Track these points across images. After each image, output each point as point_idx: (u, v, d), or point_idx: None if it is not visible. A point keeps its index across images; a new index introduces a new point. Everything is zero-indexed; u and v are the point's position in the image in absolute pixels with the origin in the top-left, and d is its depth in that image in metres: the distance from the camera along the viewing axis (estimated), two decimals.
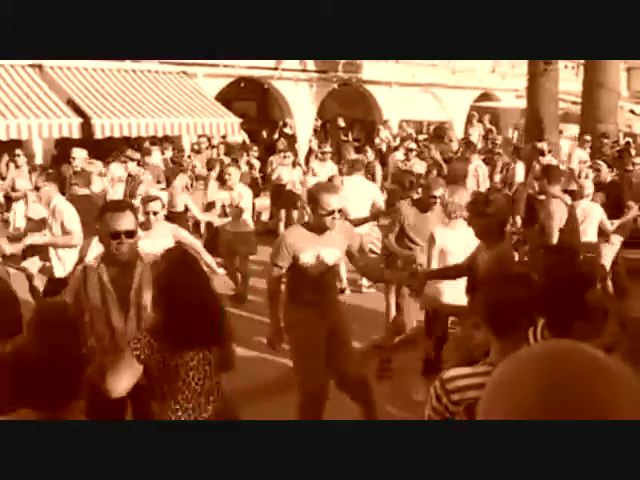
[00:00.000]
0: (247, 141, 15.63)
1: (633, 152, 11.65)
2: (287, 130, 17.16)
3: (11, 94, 12.71)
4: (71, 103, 13.21)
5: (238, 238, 8.56)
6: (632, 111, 20.32)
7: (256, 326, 7.46)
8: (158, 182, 11.39)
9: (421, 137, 16.15)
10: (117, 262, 3.68)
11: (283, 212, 12.08)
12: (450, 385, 2.50)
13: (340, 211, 4.55)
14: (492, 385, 0.95)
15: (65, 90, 13.47)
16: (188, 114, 14.25)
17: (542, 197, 7.10)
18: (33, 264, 6.78)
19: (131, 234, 3.67)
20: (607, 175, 9.03)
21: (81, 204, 7.09)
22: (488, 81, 22.03)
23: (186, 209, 8.96)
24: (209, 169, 10.46)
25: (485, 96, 22.48)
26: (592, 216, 7.78)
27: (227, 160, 11.47)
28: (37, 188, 7.09)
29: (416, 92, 20.65)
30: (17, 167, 11.18)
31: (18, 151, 11.47)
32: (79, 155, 9.55)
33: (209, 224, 9.78)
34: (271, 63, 17.06)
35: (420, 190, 7.14)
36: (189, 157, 12.94)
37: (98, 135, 12.87)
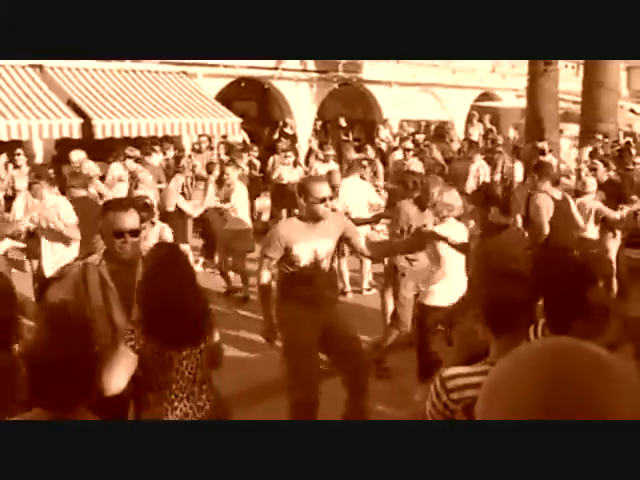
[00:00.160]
0: (247, 141, 15.62)
1: (634, 151, 11.64)
2: (287, 130, 17.15)
3: (12, 94, 12.70)
4: (71, 103, 13.21)
5: (235, 236, 8.66)
6: (632, 110, 20.32)
7: (257, 326, 7.45)
8: (159, 182, 11.40)
9: (418, 137, 16.11)
10: (118, 260, 3.66)
11: (284, 212, 12.09)
12: (450, 383, 2.50)
13: (331, 199, 4.59)
14: (490, 383, 0.94)
15: (65, 90, 13.47)
16: (188, 114, 14.24)
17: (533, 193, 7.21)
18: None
19: (135, 233, 3.66)
20: (604, 175, 9.04)
21: (79, 205, 7.10)
22: (488, 81, 22.01)
23: (179, 209, 8.94)
24: (209, 172, 10.48)
25: (485, 96, 22.47)
26: (594, 213, 7.81)
27: (227, 160, 11.47)
28: (30, 186, 7.13)
29: (416, 92, 20.64)
30: (17, 167, 11.18)
31: (18, 150, 11.47)
32: (77, 157, 9.63)
33: (206, 224, 9.82)
34: (271, 63, 17.05)
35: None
36: (189, 157, 12.94)
37: (99, 135, 12.87)
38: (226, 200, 8.87)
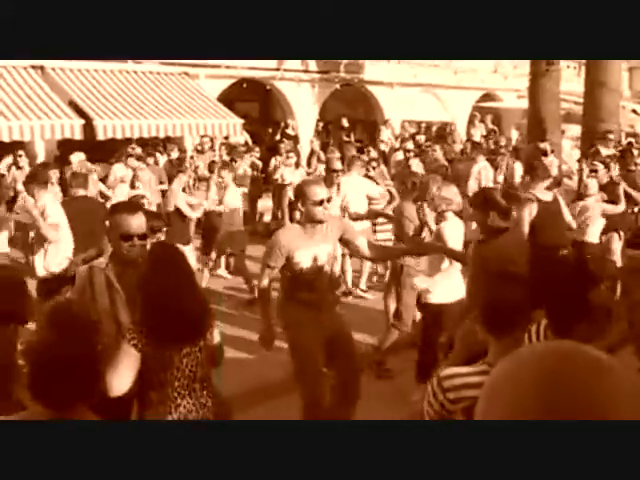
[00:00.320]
0: (249, 142, 15.63)
1: (635, 152, 11.62)
2: (289, 131, 17.17)
3: (13, 95, 12.72)
4: (73, 104, 13.22)
5: (229, 237, 8.88)
6: (634, 111, 20.30)
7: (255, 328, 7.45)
8: (161, 183, 11.42)
9: (418, 137, 16.11)
10: (125, 262, 3.65)
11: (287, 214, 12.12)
12: (446, 383, 2.51)
13: (329, 200, 4.60)
14: (491, 384, 0.94)
15: (67, 91, 13.48)
16: (190, 115, 14.25)
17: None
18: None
19: (143, 236, 3.64)
20: (604, 176, 9.03)
21: (79, 205, 7.15)
22: (490, 81, 22.01)
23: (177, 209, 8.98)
24: (211, 172, 10.52)
25: (487, 96, 22.46)
26: (596, 215, 7.80)
27: (221, 163, 11.49)
28: (25, 186, 7.17)
29: (418, 92, 20.64)
30: (19, 168, 11.20)
31: (20, 152, 11.48)
32: (76, 158, 9.71)
33: (205, 225, 9.86)
34: (273, 64, 17.06)
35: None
36: (191, 157, 12.95)
37: (100, 136, 12.88)
38: (220, 202, 9.00)
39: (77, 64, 13.85)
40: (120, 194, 9.86)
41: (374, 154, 12.94)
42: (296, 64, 17.68)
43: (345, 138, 17.33)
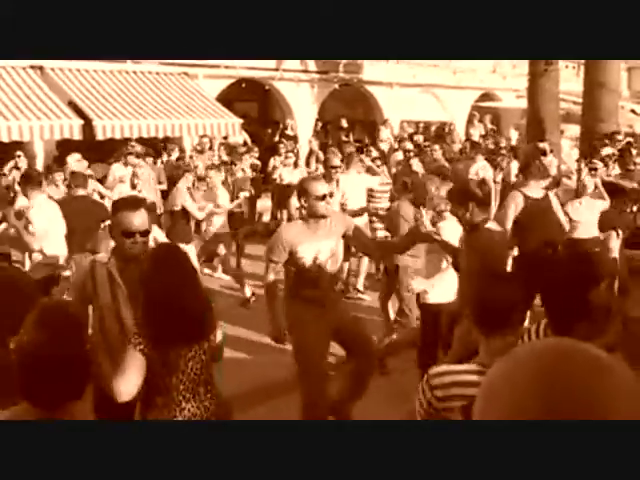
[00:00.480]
0: (249, 142, 15.62)
1: (634, 152, 11.62)
2: (288, 132, 17.17)
3: (12, 95, 12.70)
4: (72, 104, 13.20)
5: (215, 239, 9.02)
6: (633, 111, 20.29)
7: (257, 328, 7.46)
8: (160, 182, 11.42)
9: (416, 137, 16.10)
10: (127, 258, 3.65)
11: (285, 213, 12.11)
12: (435, 381, 2.50)
13: (331, 196, 4.63)
14: (489, 383, 0.94)
15: (66, 91, 13.46)
16: (189, 115, 14.24)
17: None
18: None
19: (145, 233, 3.65)
20: (604, 175, 9.05)
21: (78, 204, 7.17)
22: (489, 81, 22.00)
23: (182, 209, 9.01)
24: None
25: (486, 96, 22.45)
26: (594, 212, 7.82)
27: (209, 164, 11.50)
28: (21, 187, 7.20)
29: (417, 92, 20.63)
30: (17, 168, 11.19)
31: (19, 152, 11.48)
32: (72, 159, 9.83)
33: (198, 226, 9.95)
34: (272, 64, 17.04)
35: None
36: (191, 157, 12.94)
37: (99, 136, 12.86)
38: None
39: (76, 64, 13.83)
40: (118, 194, 9.88)
41: (375, 154, 12.93)
42: (295, 64, 17.67)
43: (344, 138, 17.33)
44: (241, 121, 15.14)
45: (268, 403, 5.53)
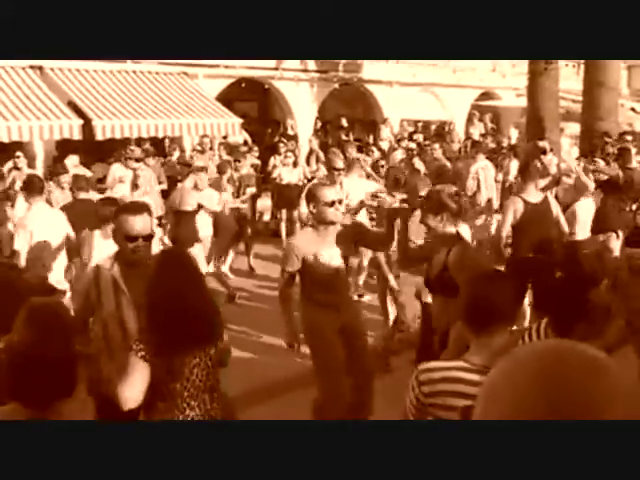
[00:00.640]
0: (249, 141, 15.63)
1: (634, 150, 11.61)
2: (288, 131, 17.18)
3: (12, 96, 12.70)
4: (72, 104, 13.20)
5: (224, 238, 9.31)
6: (633, 109, 20.30)
7: (259, 329, 7.47)
8: (160, 183, 11.41)
9: (416, 137, 16.09)
10: (130, 263, 3.64)
11: (284, 212, 12.12)
12: (422, 376, 2.52)
13: (340, 202, 4.64)
14: (489, 383, 0.94)
15: (66, 91, 13.46)
16: (189, 115, 14.23)
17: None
18: None
19: (148, 237, 3.64)
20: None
21: (81, 208, 7.16)
22: (489, 80, 21.98)
23: (199, 207, 9.01)
24: (221, 173, 10.55)
25: (486, 95, 22.45)
26: (592, 213, 7.83)
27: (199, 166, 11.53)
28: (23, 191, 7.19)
29: (417, 91, 20.61)
30: (17, 169, 11.18)
31: (18, 153, 11.47)
32: (70, 162, 9.87)
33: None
34: (272, 63, 17.04)
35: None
36: (191, 157, 12.94)
37: (99, 136, 12.86)
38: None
39: (76, 64, 13.83)
40: (117, 195, 9.89)
41: (377, 154, 12.93)
42: (295, 64, 17.67)
43: (344, 137, 17.32)
44: (241, 121, 15.14)
45: (268, 403, 5.53)
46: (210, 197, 9.24)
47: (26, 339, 2.23)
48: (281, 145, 13.78)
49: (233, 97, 17.49)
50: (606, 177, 8.98)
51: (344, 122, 18.94)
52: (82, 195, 7.50)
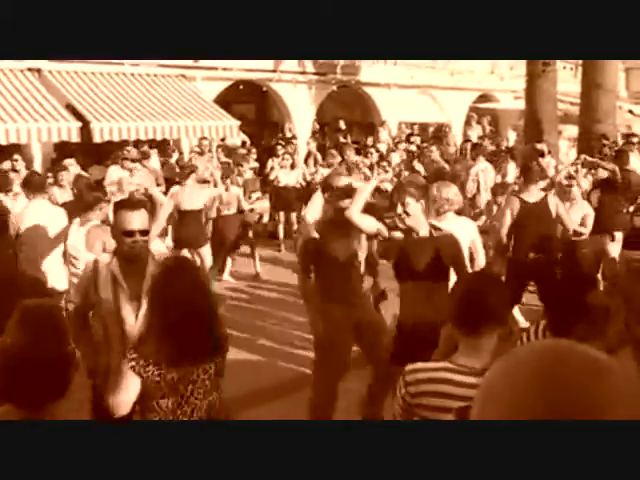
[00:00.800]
0: (248, 143, 15.64)
1: (635, 152, 11.62)
2: (287, 134, 17.19)
3: (10, 98, 12.69)
4: (70, 107, 13.20)
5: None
6: (631, 111, 20.34)
7: (258, 330, 7.47)
8: (158, 185, 11.40)
9: (413, 139, 16.10)
10: (128, 258, 3.69)
11: (282, 214, 12.13)
12: (409, 377, 2.53)
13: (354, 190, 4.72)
14: (488, 384, 0.93)
15: (64, 94, 13.46)
16: (187, 117, 14.25)
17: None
18: None
19: (145, 233, 3.70)
20: (603, 174, 9.07)
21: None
22: (487, 82, 22.04)
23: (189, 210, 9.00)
24: (225, 176, 10.55)
25: (484, 97, 22.49)
26: (590, 215, 7.85)
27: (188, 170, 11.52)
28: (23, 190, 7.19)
29: (415, 94, 20.65)
30: (15, 171, 11.17)
31: (16, 156, 11.46)
32: (69, 163, 9.91)
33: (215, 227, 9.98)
34: (270, 65, 17.06)
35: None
36: (190, 160, 12.94)
37: (97, 139, 12.86)
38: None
39: (74, 67, 13.83)
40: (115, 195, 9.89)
41: (376, 157, 12.94)
42: (293, 66, 17.69)
43: (342, 140, 17.34)
44: (239, 123, 15.16)
45: (266, 403, 5.52)
46: (229, 194, 9.37)
47: (19, 341, 2.23)
48: (279, 147, 13.80)
49: (231, 99, 17.51)
50: (605, 175, 8.99)
51: (342, 124, 18.95)
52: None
